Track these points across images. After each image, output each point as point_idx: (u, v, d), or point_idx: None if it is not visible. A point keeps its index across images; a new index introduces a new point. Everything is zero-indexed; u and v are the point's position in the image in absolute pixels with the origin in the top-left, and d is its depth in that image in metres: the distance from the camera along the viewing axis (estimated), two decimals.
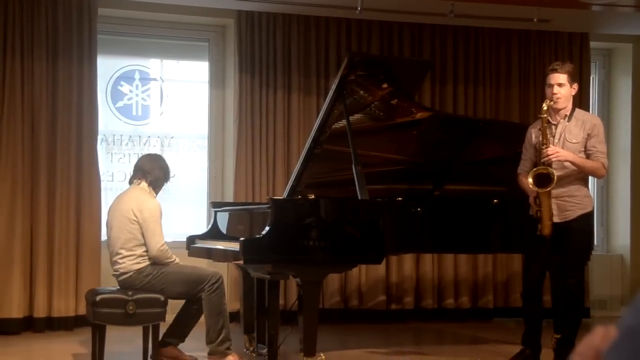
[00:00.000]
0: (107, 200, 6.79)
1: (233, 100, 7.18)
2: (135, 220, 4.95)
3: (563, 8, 6.89)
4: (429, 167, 5.86)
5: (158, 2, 6.81)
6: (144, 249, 4.96)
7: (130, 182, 5.24)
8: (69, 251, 6.58)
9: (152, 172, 5.13)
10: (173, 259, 5.03)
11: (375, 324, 7.13)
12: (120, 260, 4.99)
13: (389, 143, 5.74)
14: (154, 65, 7.56)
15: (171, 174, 5.30)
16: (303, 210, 4.72)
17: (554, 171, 4.79)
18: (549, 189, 4.80)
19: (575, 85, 5.05)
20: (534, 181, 4.82)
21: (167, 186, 5.41)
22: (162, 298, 4.84)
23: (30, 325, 6.49)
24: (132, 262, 4.96)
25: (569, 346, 5.03)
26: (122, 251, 4.98)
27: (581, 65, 7.72)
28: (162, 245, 4.95)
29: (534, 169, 4.88)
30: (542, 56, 7.77)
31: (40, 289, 6.48)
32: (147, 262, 4.97)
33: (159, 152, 6.79)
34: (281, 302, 6.15)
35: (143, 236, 4.95)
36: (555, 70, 4.99)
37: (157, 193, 5.18)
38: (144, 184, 5.10)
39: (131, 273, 4.95)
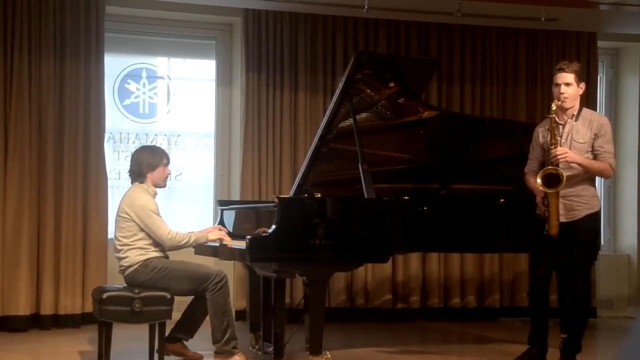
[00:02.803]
0: (113, 198, 6.80)
1: (240, 99, 7.19)
2: (129, 218, 4.95)
3: (571, 7, 6.87)
4: (436, 166, 5.85)
5: (165, 0, 6.82)
6: (146, 241, 4.94)
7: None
8: (76, 249, 6.60)
9: (132, 169, 5.13)
10: (187, 239, 4.98)
11: (381, 323, 7.14)
12: (124, 255, 4.99)
13: (395, 142, 5.73)
14: (161, 63, 7.57)
15: (147, 159, 5.05)
16: (309, 209, 4.71)
17: (563, 172, 4.78)
18: (557, 189, 4.78)
19: (583, 85, 5.03)
20: (542, 181, 4.80)
21: (173, 184, 5.37)
22: (169, 296, 4.84)
23: (37, 322, 6.51)
24: (136, 254, 4.95)
25: (575, 346, 5.03)
26: (125, 247, 4.98)
27: (588, 65, 7.71)
28: (169, 233, 4.93)
29: (544, 169, 4.84)
30: (549, 55, 7.76)
31: (47, 287, 6.49)
32: (153, 254, 4.95)
33: (165, 150, 6.73)
34: (287, 300, 6.16)
35: (143, 230, 4.93)
36: (562, 70, 4.96)
37: (147, 183, 5.05)
38: (136, 183, 5.12)
39: (136, 265, 4.94)
